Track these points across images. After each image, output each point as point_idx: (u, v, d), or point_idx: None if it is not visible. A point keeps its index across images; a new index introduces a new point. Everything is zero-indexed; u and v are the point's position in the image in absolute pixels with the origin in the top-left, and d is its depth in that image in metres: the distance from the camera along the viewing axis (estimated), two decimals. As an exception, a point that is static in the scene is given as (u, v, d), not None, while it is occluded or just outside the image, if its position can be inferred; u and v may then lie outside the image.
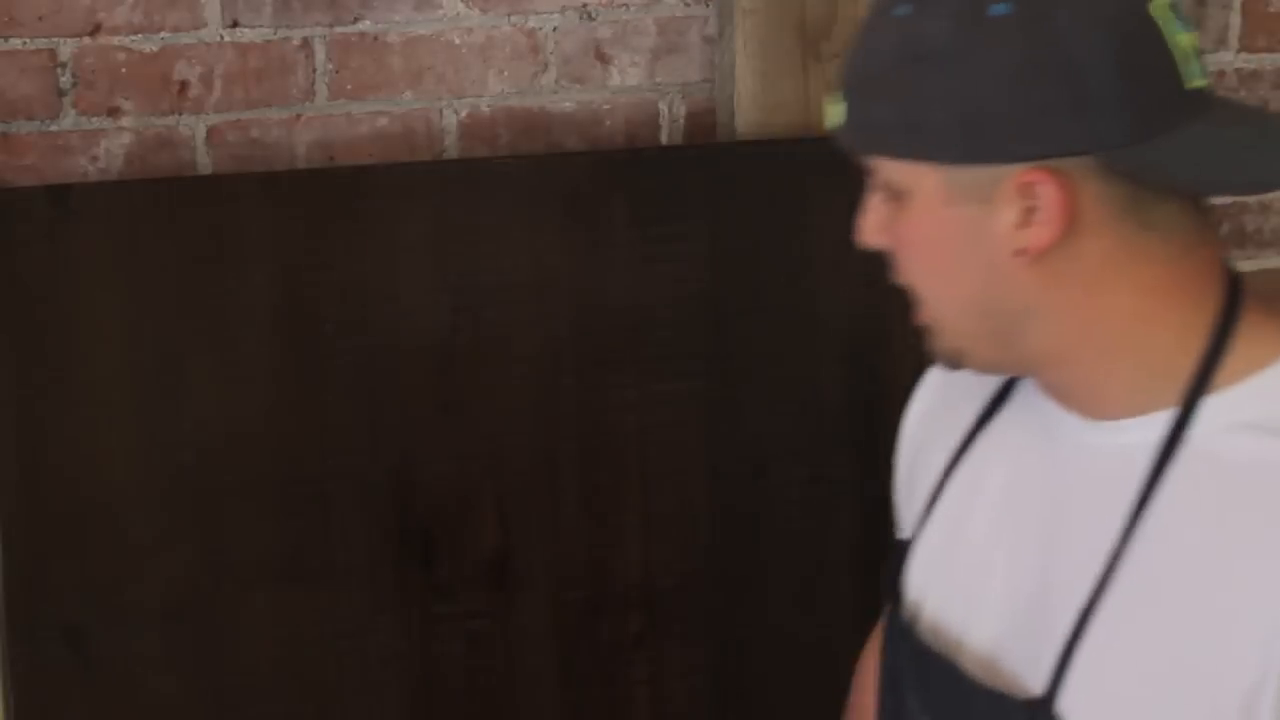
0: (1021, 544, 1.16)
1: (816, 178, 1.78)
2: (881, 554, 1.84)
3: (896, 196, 1.11)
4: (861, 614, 1.85)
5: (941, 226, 1.09)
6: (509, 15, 1.77)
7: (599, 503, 1.74)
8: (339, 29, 1.71)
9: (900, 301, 1.89)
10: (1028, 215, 1.05)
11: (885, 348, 1.82)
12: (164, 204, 1.58)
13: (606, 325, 1.72)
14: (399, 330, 1.65)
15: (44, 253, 1.54)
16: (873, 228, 1.14)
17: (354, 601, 1.67)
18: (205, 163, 1.68)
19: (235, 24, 1.68)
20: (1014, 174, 1.05)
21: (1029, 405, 1.19)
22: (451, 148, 1.77)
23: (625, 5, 1.81)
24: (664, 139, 1.84)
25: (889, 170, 1.10)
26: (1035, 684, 1.12)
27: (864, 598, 1.85)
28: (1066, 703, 1.09)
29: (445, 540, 1.69)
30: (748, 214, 1.76)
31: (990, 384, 1.23)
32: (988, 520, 1.20)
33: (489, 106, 1.78)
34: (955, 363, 1.18)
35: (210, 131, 1.68)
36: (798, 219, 1.78)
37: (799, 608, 1.82)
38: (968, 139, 1.05)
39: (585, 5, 1.79)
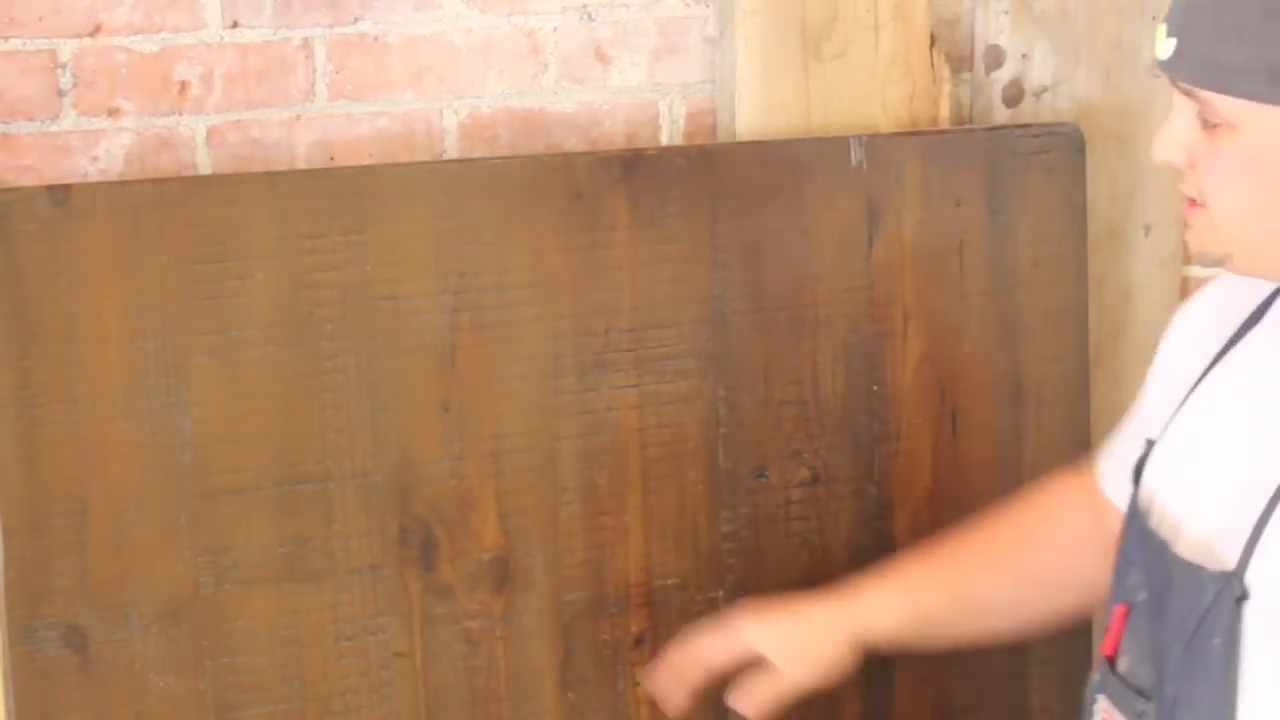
0: (1250, 451, 1.30)
1: (816, 178, 1.78)
2: (881, 554, 1.84)
3: (1215, 126, 1.25)
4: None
5: (1275, 160, 1.23)
6: (509, 15, 1.77)
7: (599, 503, 1.74)
8: (339, 29, 1.71)
9: (901, 302, 1.89)
10: None
11: (885, 348, 1.82)
12: (164, 204, 1.58)
13: (606, 325, 1.72)
14: (399, 330, 1.65)
15: (44, 253, 1.54)
16: (1176, 145, 1.29)
17: (354, 601, 1.67)
18: (205, 163, 1.69)
19: (235, 24, 1.68)
20: None
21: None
22: (451, 148, 1.77)
23: (625, 5, 1.81)
24: (664, 139, 1.84)
25: (1221, 104, 1.24)
26: (1229, 559, 1.27)
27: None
28: (1251, 575, 1.24)
29: (445, 540, 1.69)
30: (748, 214, 1.76)
31: (1247, 306, 1.38)
32: (1224, 428, 1.34)
33: (489, 107, 1.78)
34: (1215, 263, 1.32)
35: (210, 131, 1.68)
36: (798, 219, 1.78)
37: (799, 608, 1.82)
38: None
39: (585, 5, 1.79)
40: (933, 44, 1.89)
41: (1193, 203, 1.30)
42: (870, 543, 1.85)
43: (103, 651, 1.59)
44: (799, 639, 1.56)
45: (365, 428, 1.65)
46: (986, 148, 1.85)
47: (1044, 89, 1.95)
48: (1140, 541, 1.38)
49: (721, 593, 1.79)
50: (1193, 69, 1.25)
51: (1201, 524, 1.32)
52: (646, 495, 1.76)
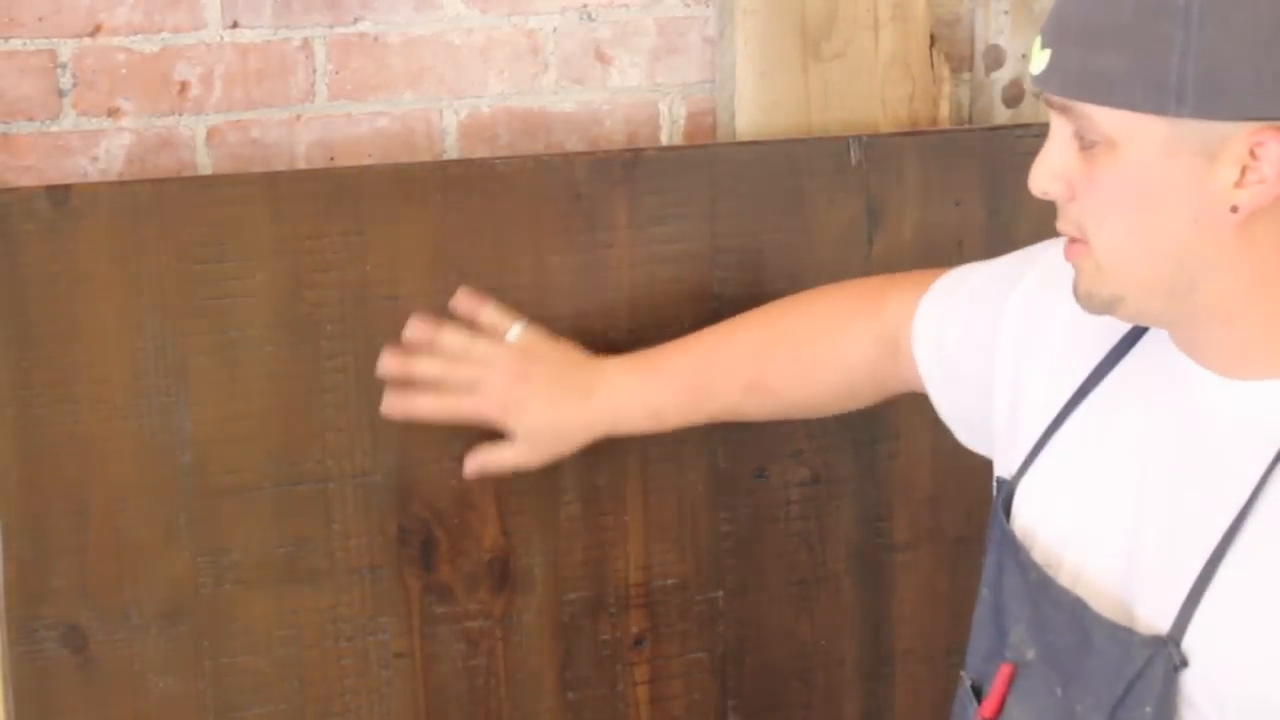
0: (1150, 488, 1.21)
1: (816, 178, 1.78)
2: (881, 554, 1.84)
3: (1093, 145, 1.14)
4: (861, 614, 1.86)
5: (1157, 177, 1.13)
6: (509, 15, 1.77)
7: (599, 503, 1.74)
8: (339, 29, 1.71)
9: (900, 301, 1.85)
10: (1245, 174, 1.10)
11: (885, 348, 1.82)
12: (164, 204, 1.58)
13: (606, 325, 1.72)
14: (399, 330, 1.65)
15: (44, 253, 1.54)
16: (1053, 174, 1.18)
17: (353, 602, 1.67)
18: (205, 163, 1.69)
19: (235, 24, 1.68)
20: (1244, 132, 1.09)
21: (1155, 357, 1.23)
22: (451, 148, 1.77)
23: (625, 5, 1.81)
24: (664, 139, 1.84)
25: (1100, 118, 1.13)
26: (1159, 622, 1.17)
27: (864, 598, 1.85)
28: (1190, 641, 1.14)
29: (445, 540, 1.69)
30: (748, 214, 1.76)
31: (1112, 335, 1.27)
32: (1113, 463, 1.24)
33: (489, 107, 1.78)
34: (1106, 308, 1.20)
35: (210, 132, 1.68)
36: (798, 219, 1.78)
37: (799, 608, 1.82)
38: (1207, 95, 1.09)
39: (585, 5, 1.79)
40: (932, 44, 1.89)
41: (1074, 241, 1.21)
42: (870, 543, 1.85)
43: (103, 651, 1.60)
44: (548, 436, 1.62)
45: (365, 428, 1.65)
46: (986, 148, 1.85)
47: (1044, 89, 1.95)
48: (1030, 597, 1.27)
49: (721, 593, 1.79)
50: (1066, 80, 1.14)
51: (1106, 574, 1.23)
52: (646, 495, 1.76)
